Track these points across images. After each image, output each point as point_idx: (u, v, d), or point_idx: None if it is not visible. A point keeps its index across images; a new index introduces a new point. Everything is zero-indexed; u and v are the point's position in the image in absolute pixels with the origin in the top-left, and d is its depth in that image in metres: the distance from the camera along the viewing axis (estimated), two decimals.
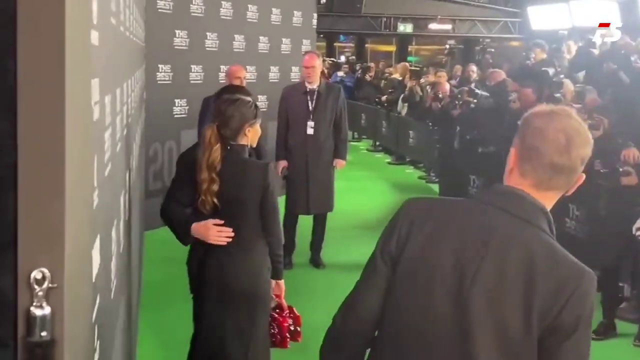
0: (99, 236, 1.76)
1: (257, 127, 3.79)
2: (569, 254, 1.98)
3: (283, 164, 7.80)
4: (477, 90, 10.04)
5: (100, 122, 1.83)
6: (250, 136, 3.74)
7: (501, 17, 21.54)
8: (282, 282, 3.98)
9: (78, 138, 1.31)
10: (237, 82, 6.72)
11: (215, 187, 3.57)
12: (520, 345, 1.87)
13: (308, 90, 7.71)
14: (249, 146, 3.82)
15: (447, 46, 24.73)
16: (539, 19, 20.21)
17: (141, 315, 6.13)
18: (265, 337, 3.86)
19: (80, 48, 1.38)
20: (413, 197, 2.20)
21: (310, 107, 7.67)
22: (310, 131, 7.67)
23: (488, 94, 10.00)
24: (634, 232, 6.21)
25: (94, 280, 1.65)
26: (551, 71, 8.92)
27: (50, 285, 1.16)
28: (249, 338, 3.73)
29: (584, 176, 2.04)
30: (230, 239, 3.65)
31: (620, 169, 6.77)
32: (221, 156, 3.58)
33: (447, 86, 12.28)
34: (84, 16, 1.44)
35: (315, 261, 8.08)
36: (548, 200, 2.03)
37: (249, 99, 3.84)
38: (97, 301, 1.74)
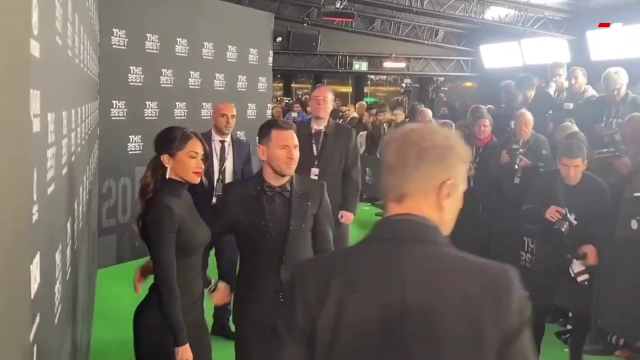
0: (39, 253, 1.71)
1: (181, 158, 3.53)
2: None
3: None
4: None
5: (41, 136, 1.80)
6: (170, 168, 3.52)
7: (454, 56, 21.88)
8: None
9: (12, 141, 1.28)
10: (222, 120, 6.50)
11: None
12: None
13: (314, 131, 6.60)
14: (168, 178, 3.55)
15: (404, 85, 25.04)
16: (491, 57, 20.57)
17: (93, 352, 6.00)
18: None
19: (17, 52, 1.35)
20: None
21: (315, 152, 6.54)
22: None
23: None
24: (573, 276, 6.01)
25: (32, 296, 1.60)
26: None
27: None
28: None
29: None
30: None
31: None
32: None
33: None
34: (22, 22, 1.41)
35: None
36: (427, 210, 1.86)
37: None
38: (37, 320, 1.69)
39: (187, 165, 3.51)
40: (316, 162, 6.51)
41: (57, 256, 2.28)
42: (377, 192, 14.97)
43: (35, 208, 1.64)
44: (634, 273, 6.24)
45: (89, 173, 5.46)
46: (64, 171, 2.57)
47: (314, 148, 6.51)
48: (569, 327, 7.19)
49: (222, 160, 6.70)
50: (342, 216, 6.63)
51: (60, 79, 2.42)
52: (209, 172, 6.41)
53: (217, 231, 3.93)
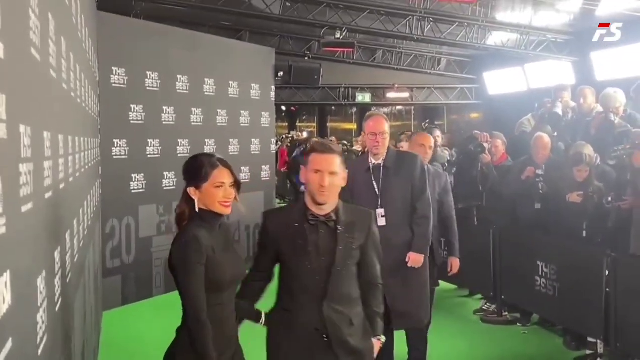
0: (8, 272, 1.56)
1: (207, 189, 3.30)
2: None
3: None
4: None
5: (9, 145, 1.65)
6: (198, 199, 3.31)
7: (458, 84, 21.84)
8: None
9: None
10: (420, 150, 6.44)
11: None
12: None
13: (372, 165, 5.72)
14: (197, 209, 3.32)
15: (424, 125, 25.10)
16: (495, 84, 20.51)
17: None
18: None
19: None
20: None
21: (377, 190, 5.67)
22: (381, 222, 5.52)
23: None
24: None
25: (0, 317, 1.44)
26: None
27: None
28: None
29: None
30: None
31: None
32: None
33: None
34: None
35: None
36: None
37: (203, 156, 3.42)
38: (9, 345, 1.53)
39: (213, 196, 3.29)
40: (379, 202, 5.67)
41: (40, 282, 2.12)
42: None
43: (2, 221, 1.49)
44: None
45: (89, 210, 5.33)
46: (48, 195, 2.42)
47: (375, 186, 5.68)
48: (588, 352, 6.99)
49: None
50: (408, 258, 5.75)
51: (37, 94, 2.29)
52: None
53: (262, 263, 3.77)
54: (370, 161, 5.75)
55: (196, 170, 3.32)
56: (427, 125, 15.19)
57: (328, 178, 3.53)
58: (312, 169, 3.56)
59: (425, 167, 6.20)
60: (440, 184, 6.68)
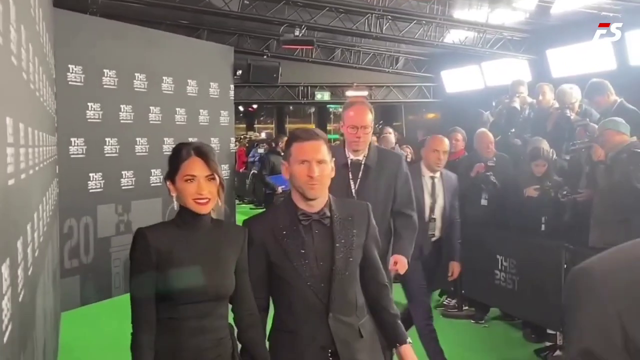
0: None
1: (178, 183, 2.92)
2: None
3: None
4: None
5: None
6: (177, 195, 2.95)
7: (416, 82, 21.93)
8: None
9: None
10: (433, 156, 6.18)
11: None
12: None
13: (351, 161, 4.94)
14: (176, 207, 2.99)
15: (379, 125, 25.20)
16: (452, 82, 20.65)
17: None
18: None
19: None
20: None
21: (353, 189, 4.90)
22: None
23: None
24: None
25: None
26: None
27: None
28: None
29: None
30: None
31: None
32: None
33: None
34: None
35: None
36: None
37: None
38: None
39: (183, 191, 2.88)
40: None
41: (4, 270, 2.08)
42: None
43: None
44: None
45: (48, 207, 5.24)
46: (10, 182, 2.37)
47: (352, 185, 4.91)
48: (547, 344, 7.08)
49: (434, 196, 6.23)
50: (395, 262, 5.03)
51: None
52: (419, 209, 5.52)
53: (254, 285, 3.14)
54: (348, 156, 4.97)
55: (169, 160, 2.96)
56: (380, 126, 15.22)
57: (317, 167, 3.09)
58: (296, 160, 3.12)
59: (440, 172, 6.31)
60: (452, 188, 6.48)
